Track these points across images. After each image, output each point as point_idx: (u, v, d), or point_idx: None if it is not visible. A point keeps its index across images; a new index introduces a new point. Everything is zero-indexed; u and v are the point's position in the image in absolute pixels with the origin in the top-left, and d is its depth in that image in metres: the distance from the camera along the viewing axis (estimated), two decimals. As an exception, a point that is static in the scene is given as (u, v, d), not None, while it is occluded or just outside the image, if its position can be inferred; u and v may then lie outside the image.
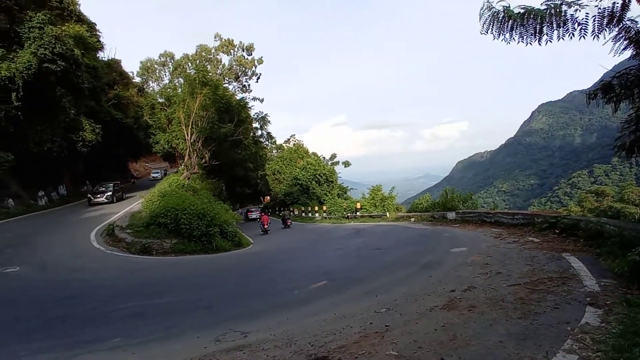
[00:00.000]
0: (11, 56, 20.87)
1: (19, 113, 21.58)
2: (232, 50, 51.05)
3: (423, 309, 5.73)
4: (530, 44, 7.65)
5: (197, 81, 29.89)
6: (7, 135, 21.78)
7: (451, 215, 19.46)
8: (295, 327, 5.65)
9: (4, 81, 20.37)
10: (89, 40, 29.89)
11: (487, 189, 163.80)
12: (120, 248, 15.35)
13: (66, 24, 27.51)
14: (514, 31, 7.92)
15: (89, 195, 27.35)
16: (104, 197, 26.83)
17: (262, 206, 52.23)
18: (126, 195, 30.31)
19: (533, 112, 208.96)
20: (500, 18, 7.61)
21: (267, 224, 26.72)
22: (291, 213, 40.53)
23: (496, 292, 6.08)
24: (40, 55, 21.29)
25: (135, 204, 24.77)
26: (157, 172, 44.98)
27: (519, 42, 8.09)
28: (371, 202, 34.51)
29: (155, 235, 16.79)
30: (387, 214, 28.83)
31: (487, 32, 8.29)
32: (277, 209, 48.65)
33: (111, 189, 27.92)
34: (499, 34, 8.01)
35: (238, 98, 40.31)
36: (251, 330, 5.71)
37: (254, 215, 40.16)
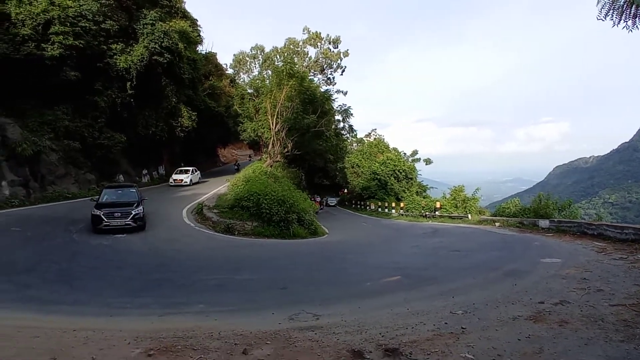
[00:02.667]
0: (128, 50, 23.56)
1: (132, 100, 24.42)
2: (318, 43, 51.85)
3: (505, 317, 5.37)
4: (655, 32, 6.98)
5: (284, 73, 30.91)
6: (121, 120, 24.82)
7: (544, 223, 17.77)
8: (366, 316, 5.66)
9: (122, 72, 23.14)
10: (191, 35, 32.48)
11: (590, 199, 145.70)
12: (207, 226, 16.66)
13: (173, 20, 30.20)
14: (636, 19, 7.12)
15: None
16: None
17: (339, 199, 52.72)
18: (204, 180, 32.42)
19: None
20: (622, 3, 7.02)
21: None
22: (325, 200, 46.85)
23: (594, 310, 5.46)
24: (150, 49, 23.73)
25: (222, 186, 26.62)
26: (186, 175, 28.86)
27: (642, 30, 7.29)
28: (452, 202, 32.89)
29: (238, 217, 17.92)
30: (469, 216, 27.32)
31: (604, 19, 7.52)
32: (353, 202, 48.75)
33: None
34: (620, 20, 7.25)
35: (322, 90, 40.90)
36: (323, 314, 5.86)
37: (331, 203, 47.43)
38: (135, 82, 23.68)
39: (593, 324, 4.90)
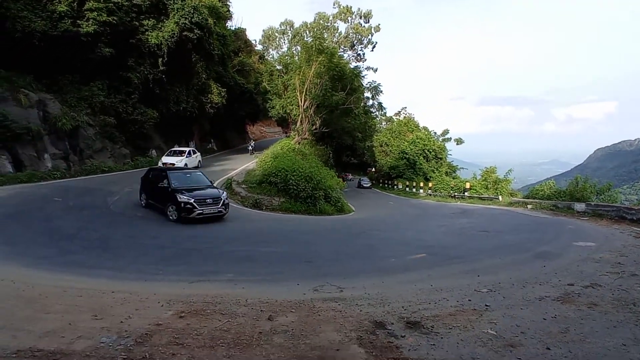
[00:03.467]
0: (159, 26, 23.83)
1: (163, 76, 24.88)
2: (349, 18, 50.75)
3: (532, 296, 5.36)
4: None
5: (313, 49, 30.52)
6: (153, 96, 25.40)
7: (580, 206, 17.22)
8: (390, 291, 5.75)
9: (153, 48, 23.52)
10: (221, 10, 32.43)
11: (633, 184, 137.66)
12: (236, 200, 17.04)
13: (202, -6, 30.21)
14: None
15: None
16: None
17: (367, 177, 52.57)
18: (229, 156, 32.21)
19: None
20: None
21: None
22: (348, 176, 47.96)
23: (627, 294, 5.37)
24: (181, 25, 23.88)
25: (250, 162, 27.01)
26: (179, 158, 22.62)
27: None
28: (482, 183, 32.19)
29: (266, 192, 18.23)
30: (500, 197, 26.72)
31: None
32: (380, 181, 48.44)
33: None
34: None
35: (352, 67, 40.20)
36: (347, 287, 5.99)
37: (364, 185, 44.76)
38: (166, 58, 24.06)
39: (624, 308, 4.83)
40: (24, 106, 16.93)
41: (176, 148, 25.12)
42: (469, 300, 5.23)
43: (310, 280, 6.31)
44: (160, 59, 24.06)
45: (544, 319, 4.49)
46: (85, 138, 20.00)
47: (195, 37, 24.82)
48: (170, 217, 11.78)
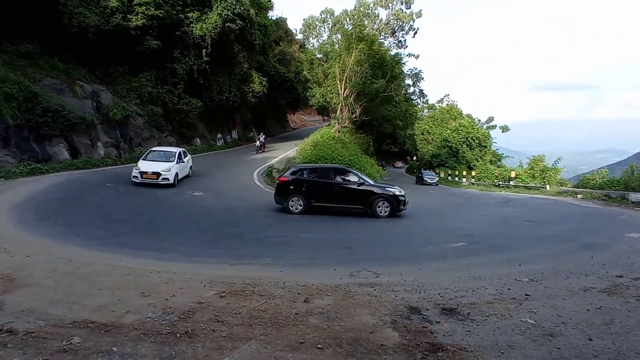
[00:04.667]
0: (203, 18, 24.44)
1: (207, 67, 25.54)
2: (390, 4, 49.49)
3: (576, 287, 5.14)
4: None
5: (353, 36, 30.06)
6: (198, 86, 26.22)
7: (635, 196, 16.35)
8: (426, 277, 5.71)
9: (197, 40, 24.19)
10: (262, 1, 32.72)
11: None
12: (276, 188, 17.31)
13: (244, -15, 30.57)
14: None
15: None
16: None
17: (407, 166, 51.59)
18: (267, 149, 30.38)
19: None
20: None
21: None
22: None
23: None
24: (223, 16, 24.33)
25: (291, 150, 27.31)
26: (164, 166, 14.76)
27: None
28: (529, 172, 30.78)
29: (305, 180, 18.35)
30: (547, 187, 25.56)
31: None
32: (414, 169, 47.40)
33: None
34: None
35: (392, 54, 39.29)
36: (383, 272, 5.99)
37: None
38: (209, 49, 24.67)
39: None
40: (80, 97, 18.08)
41: (160, 148, 16.95)
42: (509, 289, 5.09)
43: (347, 266, 6.35)
44: (204, 50, 24.70)
45: (588, 310, 4.30)
46: (135, 127, 21.08)
47: (237, 27, 25.20)
48: (381, 213, 12.04)
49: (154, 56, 22.62)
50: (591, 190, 20.60)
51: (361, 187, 12.20)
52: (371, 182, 12.78)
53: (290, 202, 12.03)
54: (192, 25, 23.77)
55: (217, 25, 24.07)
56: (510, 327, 3.84)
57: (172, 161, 15.07)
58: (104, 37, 20.04)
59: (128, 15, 20.62)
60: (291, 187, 12.14)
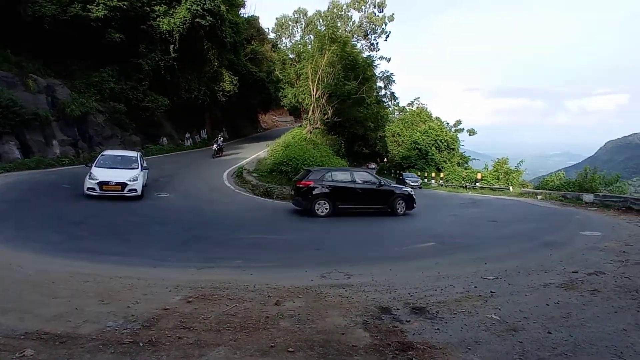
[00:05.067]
0: (171, 12, 23.63)
1: (175, 64, 24.70)
2: (363, 7, 49.99)
3: (536, 283, 5.47)
4: None
5: (326, 37, 30.07)
6: (164, 83, 25.31)
7: (588, 197, 17.47)
8: (397, 278, 5.82)
9: (164, 35, 23.34)
10: (233, -3, 32.09)
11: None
12: (246, 189, 16.98)
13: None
14: None
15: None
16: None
17: (378, 167, 52.20)
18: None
19: None
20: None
21: None
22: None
23: (630, 282, 5.46)
24: (192, 11, 23.58)
25: (262, 151, 26.96)
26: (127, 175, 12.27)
27: None
28: (494, 174, 32.13)
29: (276, 181, 18.12)
30: (510, 188, 26.86)
31: None
32: (392, 171, 48.10)
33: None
34: None
35: (365, 56, 39.63)
36: (355, 273, 6.03)
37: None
38: (177, 45, 23.89)
39: (626, 294, 4.92)
40: (33, 91, 16.96)
41: (114, 152, 14.37)
42: (475, 287, 5.30)
43: (318, 267, 6.35)
44: (171, 46, 23.88)
45: (547, 304, 4.57)
46: (95, 125, 20.00)
47: (207, 24, 24.53)
48: (399, 211, 13.09)
49: (117, 50, 21.57)
50: (550, 191, 21.76)
51: (381, 188, 12.97)
52: (388, 183, 13.87)
53: (317, 205, 12.14)
54: (159, 19, 22.88)
55: (185, 20, 23.34)
56: (477, 323, 4.00)
57: (136, 168, 12.72)
58: (62, 28, 18.88)
59: (88, 5, 19.46)
60: (315, 190, 12.19)
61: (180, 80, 26.51)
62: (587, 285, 5.34)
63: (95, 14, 19.51)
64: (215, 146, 25.68)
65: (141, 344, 3.29)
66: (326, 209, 12.17)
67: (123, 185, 11.87)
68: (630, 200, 15.02)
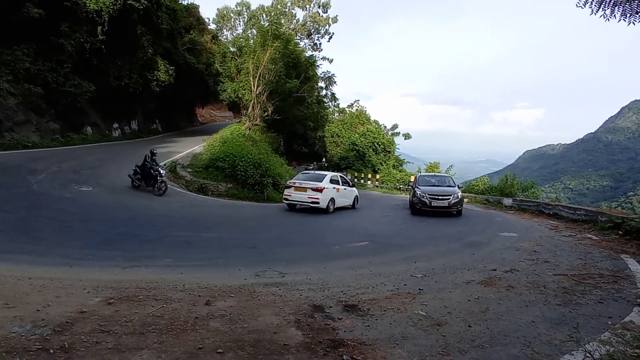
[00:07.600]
0: (100, -10, 21.81)
1: (103, 47, 22.80)
2: (307, 6, 50.05)
3: (460, 281, 5.84)
4: (633, 23, 7.13)
5: (269, 33, 29.75)
6: (91, 67, 23.24)
7: (507, 201, 19.13)
8: (331, 276, 5.90)
9: (92, 14, 21.44)
10: (171, -18, 30.54)
11: (552, 183, 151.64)
12: (180, 184, 16.29)
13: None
14: (616, 7, 7.37)
15: None
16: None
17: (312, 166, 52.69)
18: None
19: (622, 109, 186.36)
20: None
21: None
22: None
23: (539, 278, 6.03)
24: (125, -8, 22.07)
25: (197, 146, 25.90)
26: None
27: (620, 20, 7.49)
28: (426, 178, 33.79)
29: (212, 177, 17.59)
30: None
31: (584, 6, 7.64)
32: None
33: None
34: (599, 8, 7.43)
35: (307, 55, 39.80)
36: (289, 272, 6.03)
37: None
38: (107, 27, 22.11)
39: (535, 290, 5.40)
40: None
41: None
42: (405, 284, 5.53)
43: (252, 266, 6.24)
44: (99, 27, 22.03)
45: (469, 300, 4.90)
46: (5, 108, 17.78)
47: (141, 7, 23.06)
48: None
49: (35, 27, 19.40)
50: (475, 195, 23.51)
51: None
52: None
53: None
54: (86, -3, 21.00)
55: (117, 1, 21.73)
56: (405, 319, 4.17)
57: None
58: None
59: (2, -24, 17.49)
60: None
61: (108, 65, 24.55)
62: (504, 282, 5.78)
63: (9, -15, 17.46)
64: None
65: (52, 351, 2.99)
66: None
67: None
68: (542, 204, 16.47)
